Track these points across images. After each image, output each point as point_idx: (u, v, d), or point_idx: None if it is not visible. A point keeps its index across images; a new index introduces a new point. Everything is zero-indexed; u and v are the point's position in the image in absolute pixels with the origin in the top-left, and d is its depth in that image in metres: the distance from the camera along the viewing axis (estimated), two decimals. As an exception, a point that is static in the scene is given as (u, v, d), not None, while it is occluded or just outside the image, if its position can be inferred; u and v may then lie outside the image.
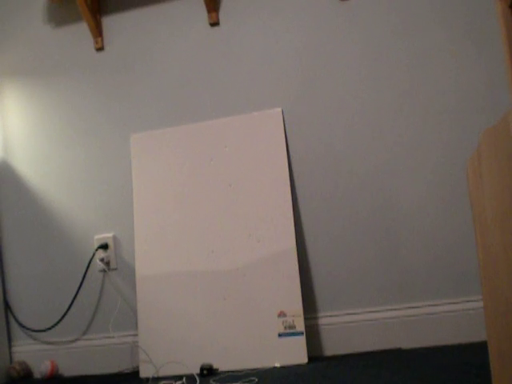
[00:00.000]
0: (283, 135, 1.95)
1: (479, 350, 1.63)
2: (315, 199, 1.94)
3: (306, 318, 1.86)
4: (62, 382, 1.99)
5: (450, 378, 1.36)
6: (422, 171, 1.86)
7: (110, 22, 2.17)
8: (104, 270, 2.11)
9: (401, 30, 1.90)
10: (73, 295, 2.12)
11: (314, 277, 1.92)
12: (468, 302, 1.79)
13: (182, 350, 1.89)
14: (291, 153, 1.96)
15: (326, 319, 1.89)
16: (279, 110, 1.97)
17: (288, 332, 1.81)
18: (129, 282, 2.08)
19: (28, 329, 2.16)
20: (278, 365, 1.78)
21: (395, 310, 1.84)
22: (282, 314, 1.82)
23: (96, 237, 2.12)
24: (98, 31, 2.15)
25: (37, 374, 2.13)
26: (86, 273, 2.11)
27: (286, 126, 1.97)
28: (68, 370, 2.11)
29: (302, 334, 1.80)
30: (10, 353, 2.18)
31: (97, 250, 2.10)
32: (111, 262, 2.11)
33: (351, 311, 1.88)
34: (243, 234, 1.91)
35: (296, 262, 1.85)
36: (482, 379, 1.30)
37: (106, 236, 2.12)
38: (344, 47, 1.95)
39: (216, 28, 2.07)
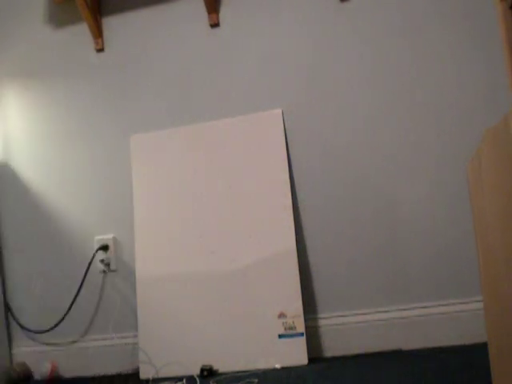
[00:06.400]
0: (283, 136, 1.95)
1: (479, 350, 1.62)
2: (315, 200, 1.94)
3: (306, 319, 1.85)
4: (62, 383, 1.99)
5: (451, 379, 1.35)
6: (422, 172, 1.86)
7: (110, 23, 2.18)
8: (104, 271, 2.11)
9: (401, 31, 1.90)
10: (73, 296, 2.12)
11: (314, 278, 1.92)
12: (468, 302, 1.79)
13: (182, 350, 1.88)
14: (291, 154, 1.96)
15: (327, 320, 1.89)
16: (279, 110, 1.97)
17: (288, 333, 1.81)
18: (129, 283, 2.08)
19: (28, 330, 2.16)
20: (278, 366, 1.78)
21: (396, 310, 1.84)
22: (282, 315, 1.82)
23: (96, 238, 2.12)
24: (98, 32, 2.16)
25: (37, 376, 2.13)
26: (86, 274, 2.10)
27: (286, 126, 1.97)
28: (68, 371, 2.11)
29: (303, 335, 1.80)
30: (10, 354, 2.18)
31: (97, 251, 2.10)
32: (111, 263, 2.11)
33: (352, 312, 1.88)
34: (243, 234, 1.91)
35: (296, 263, 1.84)
36: (482, 380, 1.30)
37: (106, 237, 2.12)
38: (344, 48, 1.95)
39: (216, 29, 2.07)
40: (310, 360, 1.79)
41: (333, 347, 1.87)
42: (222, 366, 1.83)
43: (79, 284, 2.12)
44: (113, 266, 2.11)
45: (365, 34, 1.93)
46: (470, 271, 1.80)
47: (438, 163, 1.85)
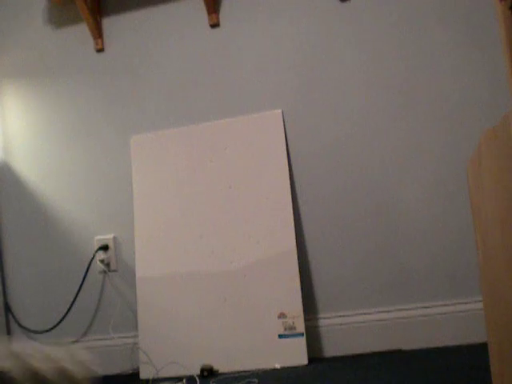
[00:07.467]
0: (283, 137, 1.95)
1: (480, 351, 1.63)
2: (315, 200, 1.94)
3: (306, 319, 1.86)
4: (62, 384, 1.99)
5: (451, 380, 1.35)
6: (422, 172, 1.86)
7: (110, 24, 2.18)
8: (104, 272, 2.11)
9: (401, 31, 1.90)
10: (73, 296, 2.12)
11: (314, 278, 1.92)
12: (468, 303, 1.79)
13: (182, 351, 1.88)
14: (291, 154, 1.96)
15: (327, 320, 1.89)
16: (279, 111, 1.97)
17: (288, 333, 1.81)
18: (129, 284, 2.08)
19: (28, 330, 2.16)
20: (278, 366, 1.78)
21: (396, 311, 1.84)
22: (282, 315, 1.82)
23: (96, 238, 2.12)
24: (98, 32, 2.16)
25: (37, 376, 2.13)
26: (86, 274, 2.11)
27: (286, 127, 1.97)
28: (68, 371, 2.10)
29: (302, 335, 1.80)
30: (10, 354, 2.17)
31: (97, 251, 2.10)
32: (111, 264, 2.11)
33: (351, 312, 1.88)
34: (243, 235, 1.91)
35: (296, 263, 1.84)
36: (482, 381, 1.30)
37: (106, 237, 2.12)
38: (344, 48, 1.95)
39: (216, 29, 2.07)
40: (310, 360, 1.80)
41: (333, 347, 1.87)
42: (222, 366, 1.83)
43: (79, 284, 2.12)
44: (113, 266, 2.11)
45: (365, 34, 1.93)
46: (470, 271, 1.80)
47: (438, 163, 1.85)
